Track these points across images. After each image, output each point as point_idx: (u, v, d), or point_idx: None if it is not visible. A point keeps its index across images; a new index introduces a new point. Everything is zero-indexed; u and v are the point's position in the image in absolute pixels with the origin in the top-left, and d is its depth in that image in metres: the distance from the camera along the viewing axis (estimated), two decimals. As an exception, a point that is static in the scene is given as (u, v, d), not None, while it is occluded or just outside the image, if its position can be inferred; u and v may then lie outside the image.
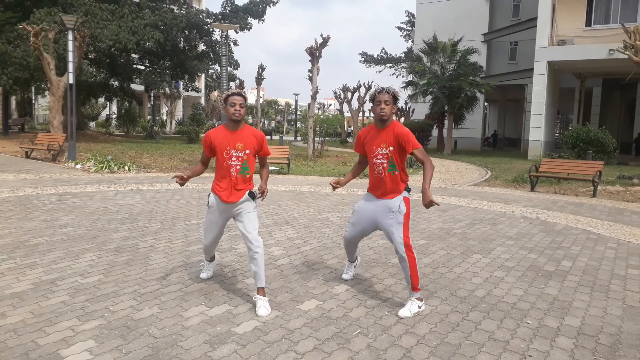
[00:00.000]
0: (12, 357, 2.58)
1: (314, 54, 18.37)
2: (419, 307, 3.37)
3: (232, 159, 3.38)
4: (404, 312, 3.32)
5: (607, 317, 3.39)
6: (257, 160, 3.63)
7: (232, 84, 34.46)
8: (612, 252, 5.28)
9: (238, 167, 3.39)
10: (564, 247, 5.44)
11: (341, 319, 3.21)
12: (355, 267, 4.11)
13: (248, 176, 3.45)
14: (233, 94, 3.38)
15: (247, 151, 3.41)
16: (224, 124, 3.50)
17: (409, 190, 3.49)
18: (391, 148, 3.38)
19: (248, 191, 3.45)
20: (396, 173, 3.41)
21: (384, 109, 3.35)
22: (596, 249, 5.40)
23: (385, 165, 3.40)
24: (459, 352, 2.79)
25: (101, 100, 38.53)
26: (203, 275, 3.99)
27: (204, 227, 3.66)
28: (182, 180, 3.49)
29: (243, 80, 34.88)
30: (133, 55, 27.92)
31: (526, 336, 3.04)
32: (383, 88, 3.39)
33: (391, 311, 3.37)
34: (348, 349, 2.79)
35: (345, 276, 4.06)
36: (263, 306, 3.29)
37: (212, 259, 3.98)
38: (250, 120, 51.69)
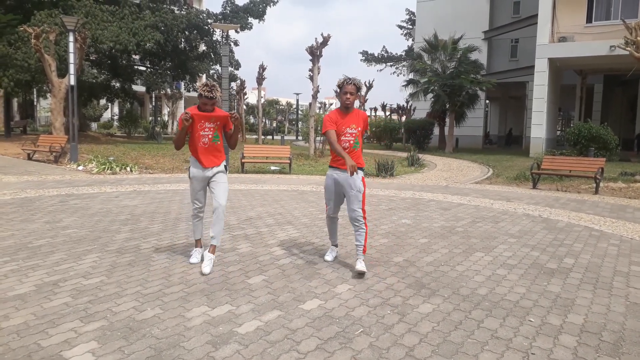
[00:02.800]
0: (15, 359, 2.59)
1: (315, 53, 18.36)
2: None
3: (205, 129, 4.17)
4: (360, 266, 4.11)
5: (610, 315, 3.38)
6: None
7: (233, 84, 34.40)
8: (615, 249, 5.27)
9: (210, 136, 4.21)
10: (567, 245, 5.43)
11: (343, 319, 3.21)
12: (336, 251, 4.68)
13: (219, 143, 4.28)
14: (202, 96, 4.07)
15: (218, 123, 4.21)
16: (196, 106, 4.22)
17: (364, 171, 4.30)
18: (359, 128, 4.17)
19: (223, 162, 4.36)
20: (357, 149, 4.18)
21: (349, 98, 4.10)
22: (599, 246, 5.39)
23: (352, 142, 4.14)
24: (462, 351, 2.79)
25: (103, 101, 38.55)
26: (193, 260, 4.40)
27: (191, 196, 4.38)
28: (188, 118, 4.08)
29: (244, 80, 34.80)
30: (134, 56, 27.95)
31: (529, 334, 3.03)
32: (350, 79, 4.09)
33: (393, 310, 3.37)
34: (350, 348, 2.79)
35: (328, 258, 4.58)
36: (208, 265, 4.16)
37: (199, 244, 4.51)
38: (252, 120, 51.64)
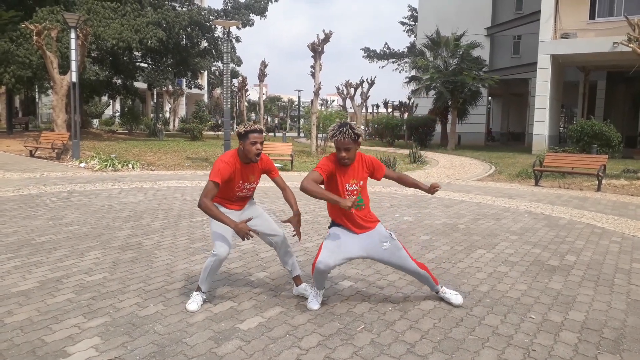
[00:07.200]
0: (19, 354, 2.61)
1: (316, 49, 18.32)
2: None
3: (244, 190, 3.39)
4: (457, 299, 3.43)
5: (611, 312, 3.39)
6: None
7: (234, 80, 34.43)
8: (617, 246, 5.27)
9: (248, 195, 3.49)
10: (568, 242, 5.43)
11: (345, 315, 3.22)
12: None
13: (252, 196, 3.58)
14: (254, 130, 3.17)
15: (257, 181, 3.49)
16: (235, 154, 3.27)
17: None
18: (361, 182, 3.19)
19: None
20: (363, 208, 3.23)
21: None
22: (600, 243, 5.39)
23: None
24: (463, 347, 2.80)
25: (104, 98, 38.61)
26: (192, 306, 3.25)
27: (220, 234, 3.21)
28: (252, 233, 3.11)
29: (246, 77, 34.86)
30: (136, 53, 27.95)
31: (530, 331, 3.04)
32: (342, 128, 3.00)
33: (395, 307, 3.38)
34: (352, 344, 2.81)
35: (315, 306, 3.31)
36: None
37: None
38: (254, 117, 51.67)
